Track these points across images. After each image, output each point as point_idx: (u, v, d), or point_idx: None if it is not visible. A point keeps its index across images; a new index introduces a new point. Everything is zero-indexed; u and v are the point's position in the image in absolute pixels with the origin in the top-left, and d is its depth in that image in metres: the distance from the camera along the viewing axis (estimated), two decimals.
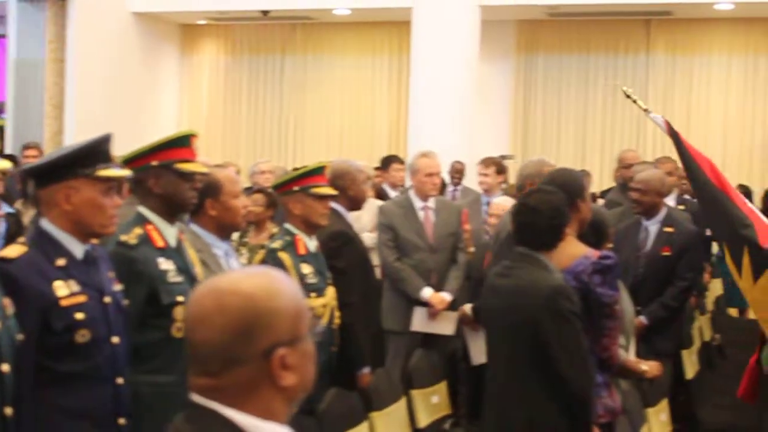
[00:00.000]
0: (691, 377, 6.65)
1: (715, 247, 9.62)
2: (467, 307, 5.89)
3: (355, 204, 5.29)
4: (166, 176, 3.52)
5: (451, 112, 11.54)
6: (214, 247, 3.96)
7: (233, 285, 1.67)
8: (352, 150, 13.74)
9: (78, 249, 2.99)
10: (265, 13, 13.74)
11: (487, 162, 7.67)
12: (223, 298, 1.65)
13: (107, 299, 3.03)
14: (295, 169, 5.41)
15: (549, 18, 13.60)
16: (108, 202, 3.00)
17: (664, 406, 5.51)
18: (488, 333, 4.07)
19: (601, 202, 8.27)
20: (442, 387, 5.54)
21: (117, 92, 13.44)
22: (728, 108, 13.40)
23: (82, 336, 2.91)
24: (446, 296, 6.10)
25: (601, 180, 12.51)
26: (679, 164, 8.65)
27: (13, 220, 6.27)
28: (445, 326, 6.11)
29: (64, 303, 2.88)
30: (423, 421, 5.21)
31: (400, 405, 5.08)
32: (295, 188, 4.54)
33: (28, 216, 6.25)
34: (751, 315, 9.04)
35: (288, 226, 4.58)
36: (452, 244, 6.27)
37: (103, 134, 3.05)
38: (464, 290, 6.22)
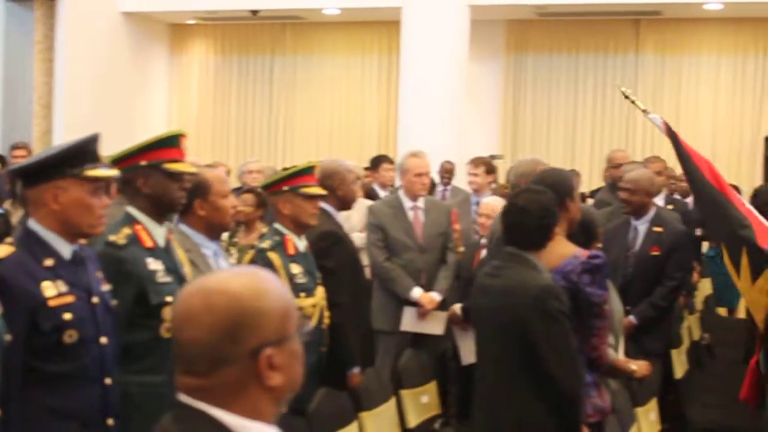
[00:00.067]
0: (680, 377, 6.66)
1: (704, 247, 9.68)
2: (457, 307, 5.89)
3: (345, 204, 5.29)
4: (154, 176, 3.51)
5: (440, 112, 11.55)
6: (203, 247, 3.96)
7: (221, 285, 1.67)
8: (342, 150, 13.74)
9: (66, 249, 2.97)
10: (254, 12, 13.73)
11: (476, 162, 7.67)
12: (211, 298, 1.65)
13: (95, 299, 3.02)
14: (285, 169, 5.41)
15: (538, 18, 13.62)
16: (96, 202, 2.99)
17: (653, 405, 5.52)
18: (478, 333, 4.07)
19: (590, 201, 8.28)
20: (431, 387, 5.54)
21: (106, 92, 13.41)
22: (717, 108, 13.45)
23: (70, 336, 2.90)
24: (436, 296, 6.11)
25: (590, 180, 12.53)
26: (669, 164, 8.75)
27: (2, 220, 6.26)
28: (435, 326, 6.11)
29: (51, 303, 2.86)
30: (413, 421, 5.21)
31: (390, 405, 5.08)
32: (285, 188, 4.53)
33: (16, 216, 6.24)
34: (741, 314, 9.09)
35: (277, 226, 4.58)
36: (442, 244, 6.27)
37: (91, 134, 3.05)
38: (454, 290, 6.23)
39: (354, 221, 6.93)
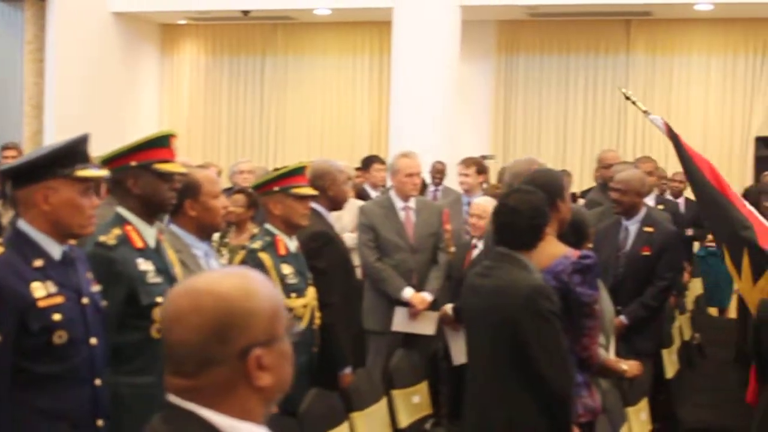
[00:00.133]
0: (671, 376, 6.67)
1: (695, 247, 9.71)
2: (448, 307, 5.89)
3: (336, 204, 5.29)
4: (144, 177, 3.50)
5: (431, 113, 11.55)
6: (193, 247, 3.95)
7: (210, 285, 1.67)
8: (333, 150, 13.72)
9: (55, 250, 2.96)
10: (245, 13, 13.71)
11: (467, 162, 7.68)
12: (200, 298, 1.65)
13: (85, 300, 3.01)
14: (276, 170, 5.40)
15: (529, 18, 13.63)
16: (86, 203, 2.98)
17: (644, 405, 5.53)
18: (469, 333, 4.07)
19: (581, 202, 8.29)
20: (423, 387, 5.54)
21: (96, 92, 13.36)
22: (708, 108, 13.47)
23: (60, 337, 2.89)
24: (427, 296, 6.11)
25: (581, 180, 12.54)
26: (659, 164, 8.77)
27: None
28: (426, 326, 6.11)
29: (41, 304, 2.85)
30: (404, 421, 5.21)
31: (381, 405, 5.08)
32: (276, 188, 4.53)
33: (7, 217, 6.22)
34: (731, 314, 9.12)
35: (268, 226, 4.57)
36: (433, 244, 6.28)
37: (81, 134, 3.04)
38: (445, 290, 6.23)
39: (345, 221, 6.93)
